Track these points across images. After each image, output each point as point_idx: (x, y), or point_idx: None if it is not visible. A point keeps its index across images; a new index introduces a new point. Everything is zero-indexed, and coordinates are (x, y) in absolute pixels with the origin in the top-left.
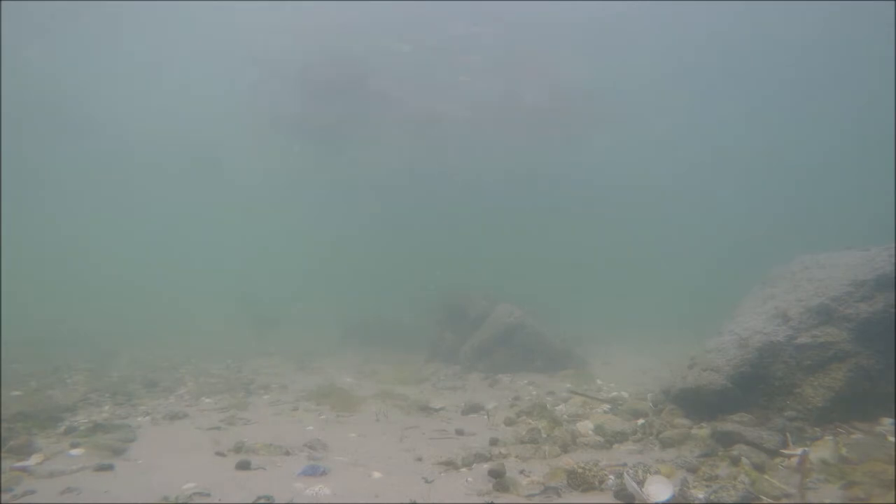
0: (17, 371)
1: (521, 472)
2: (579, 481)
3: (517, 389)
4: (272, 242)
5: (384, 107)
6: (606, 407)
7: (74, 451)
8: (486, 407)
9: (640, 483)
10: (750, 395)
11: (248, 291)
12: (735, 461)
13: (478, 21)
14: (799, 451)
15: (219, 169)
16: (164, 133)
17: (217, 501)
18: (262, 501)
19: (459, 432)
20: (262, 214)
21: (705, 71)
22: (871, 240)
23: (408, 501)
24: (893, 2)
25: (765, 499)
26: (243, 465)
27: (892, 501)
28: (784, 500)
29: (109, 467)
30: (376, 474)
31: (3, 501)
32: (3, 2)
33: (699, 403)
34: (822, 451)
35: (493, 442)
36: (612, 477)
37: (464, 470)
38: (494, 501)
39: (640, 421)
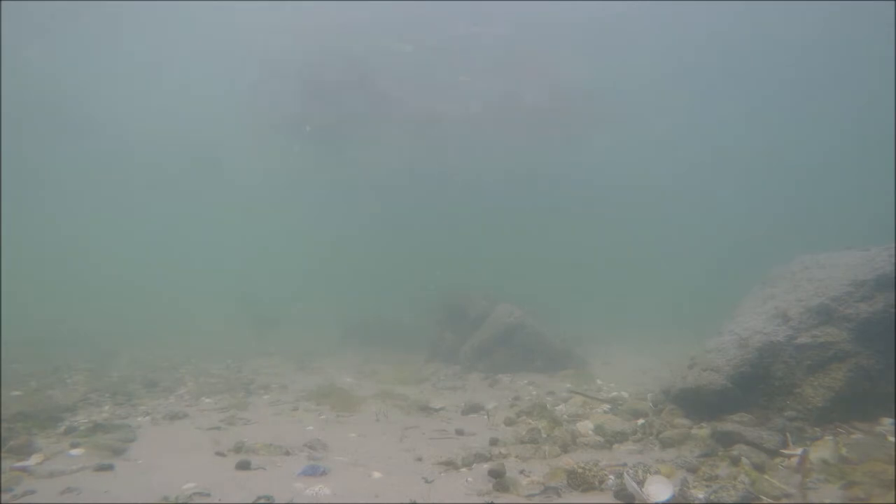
0: (17, 371)
1: (521, 472)
2: (579, 481)
3: (517, 389)
4: (272, 242)
5: (384, 107)
6: (606, 407)
7: (74, 451)
8: (486, 407)
9: (640, 483)
10: (750, 395)
11: (248, 291)
12: (735, 461)
13: (478, 21)
14: (799, 451)
15: (219, 169)
16: (164, 133)
17: (217, 501)
18: (262, 501)
19: (459, 432)
20: (262, 214)
21: (705, 71)
22: (871, 240)
23: (408, 501)
24: (893, 2)
25: (765, 499)
26: (243, 465)
27: (892, 501)
28: (784, 500)
29: (109, 467)
30: (376, 474)
31: (3, 501)
32: (3, 2)
33: (699, 403)
34: (822, 451)
35: (493, 442)
36: (612, 477)
37: (464, 470)
38: (494, 501)
39: (640, 421)
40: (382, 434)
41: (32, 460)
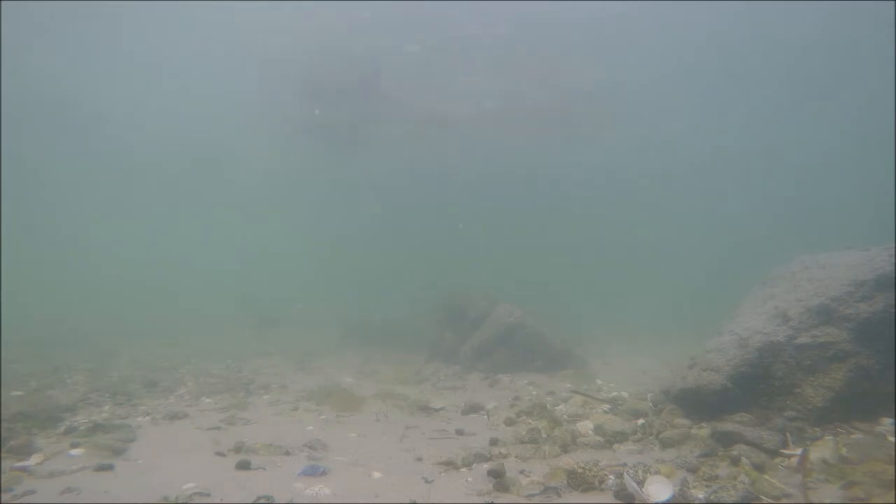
0: (17, 371)
1: (521, 472)
2: (579, 481)
3: (517, 389)
4: (272, 242)
5: (384, 107)
6: (606, 407)
7: (74, 451)
8: (486, 407)
9: (640, 483)
10: (750, 395)
11: (248, 291)
12: (735, 461)
13: (478, 21)
14: (799, 451)
15: (219, 169)
16: (164, 133)
17: (217, 501)
18: (262, 501)
19: (459, 432)
20: (262, 214)
21: (705, 71)
22: (871, 240)
23: (408, 501)
24: (893, 2)
25: (765, 499)
26: (243, 465)
27: (892, 501)
28: (784, 500)
29: (109, 467)
30: (376, 474)
31: (3, 501)
32: (3, 2)
33: (699, 403)
34: (822, 451)
35: (493, 442)
36: (612, 477)
37: (464, 470)
38: (494, 501)
39: (640, 421)
40: (382, 434)
41: (32, 460)
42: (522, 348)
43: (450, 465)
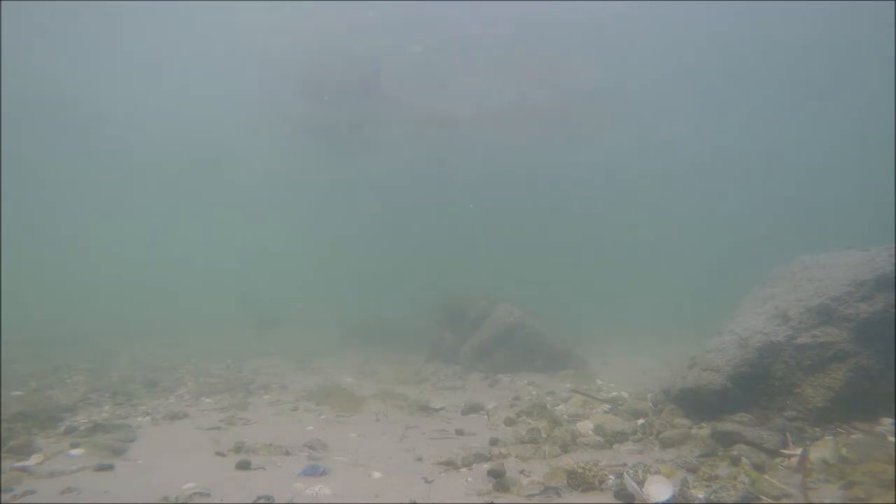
0: (17, 371)
1: (521, 472)
2: (579, 481)
3: (517, 389)
4: (272, 242)
5: (385, 107)
6: (606, 407)
7: (74, 451)
8: (486, 407)
9: (640, 483)
10: (750, 395)
11: (248, 291)
12: (735, 461)
13: (478, 21)
14: (799, 451)
15: (219, 169)
16: (164, 133)
17: (217, 501)
18: (262, 501)
19: (459, 432)
20: (262, 214)
21: (705, 71)
22: (871, 240)
23: (408, 501)
24: (893, 2)
25: (765, 499)
26: (243, 465)
27: (892, 501)
28: (784, 500)
29: (109, 467)
30: (376, 474)
31: (3, 501)
32: (3, 2)
33: (699, 403)
34: (822, 451)
35: (493, 442)
36: (612, 477)
37: (464, 470)
38: (494, 501)
39: (640, 421)
40: (382, 434)
41: (32, 460)
42: (522, 348)
43: (450, 465)
